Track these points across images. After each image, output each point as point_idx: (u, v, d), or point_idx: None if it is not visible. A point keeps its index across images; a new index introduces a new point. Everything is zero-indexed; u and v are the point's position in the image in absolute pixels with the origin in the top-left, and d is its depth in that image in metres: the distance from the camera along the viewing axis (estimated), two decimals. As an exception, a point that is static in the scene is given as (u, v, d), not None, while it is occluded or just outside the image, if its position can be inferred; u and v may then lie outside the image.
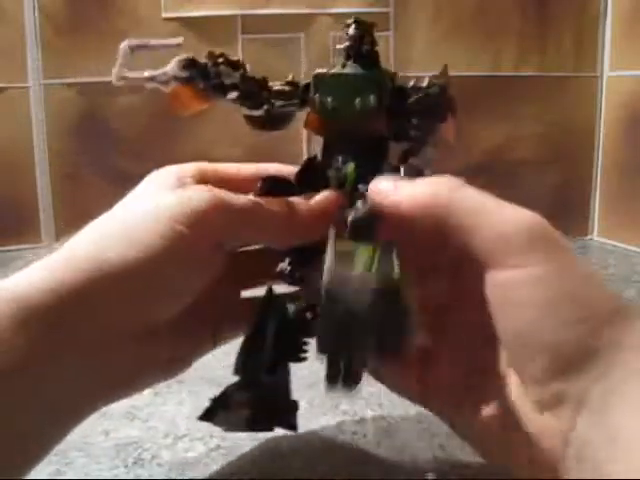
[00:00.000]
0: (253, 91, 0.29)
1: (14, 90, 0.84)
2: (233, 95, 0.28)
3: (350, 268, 0.22)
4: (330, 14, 0.84)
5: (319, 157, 0.30)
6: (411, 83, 0.29)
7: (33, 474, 0.23)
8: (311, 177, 0.28)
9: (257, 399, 0.27)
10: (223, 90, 0.28)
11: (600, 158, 0.87)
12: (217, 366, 0.34)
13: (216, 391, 0.40)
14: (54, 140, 0.86)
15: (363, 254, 0.23)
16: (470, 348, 0.26)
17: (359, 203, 0.26)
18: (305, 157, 0.30)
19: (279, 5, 0.84)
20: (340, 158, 0.28)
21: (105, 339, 0.24)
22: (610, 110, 0.85)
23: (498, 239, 0.23)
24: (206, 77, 0.28)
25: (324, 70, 0.29)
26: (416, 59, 0.85)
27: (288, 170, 0.29)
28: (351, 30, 0.28)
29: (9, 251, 0.81)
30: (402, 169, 0.28)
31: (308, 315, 0.28)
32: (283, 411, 0.29)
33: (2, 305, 0.22)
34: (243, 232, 0.26)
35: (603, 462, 0.20)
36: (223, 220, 0.25)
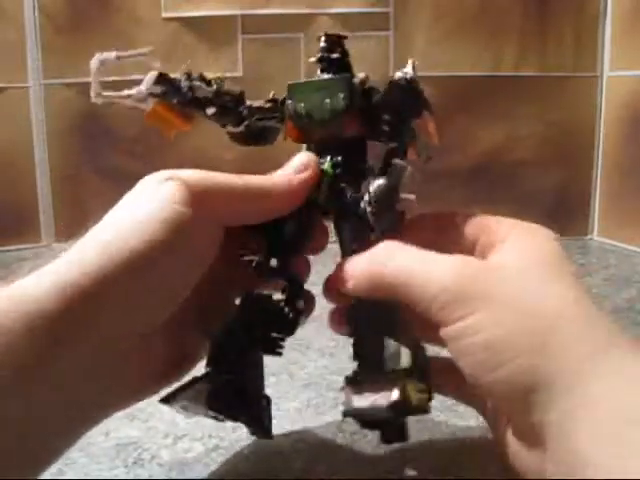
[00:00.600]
0: (229, 107, 0.29)
1: (14, 90, 0.84)
2: (212, 110, 0.29)
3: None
4: (330, 14, 0.84)
5: None
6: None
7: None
8: None
9: (222, 385, 0.27)
10: (200, 105, 0.29)
11: (600, 158, 0.87)
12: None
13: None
14: (54, 140, 0.86)
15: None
16: None
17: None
18: None
19: (279, 5, 0.84)
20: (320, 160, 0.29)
21: (112, 340, 0.24)
22: (610, 110, 0.85)
23: (437, 295, 0.24)
24: (179, 91, 0.28)
25: (298, 80, 0.30)
26: (416, 59, 0.84)
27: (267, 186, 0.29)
28: (321, 43, 0.29)
29: (9, 251, 0.81)
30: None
31: (286, 310, 0.28)
32: (252, 402, 0.29)
33: (11, 309, 0.22)
34: (241, 207, 0.27)
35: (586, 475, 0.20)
36: (221, 197, 0.26)
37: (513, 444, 0.24)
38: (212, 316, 0.29)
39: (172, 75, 0.29)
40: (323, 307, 0.31)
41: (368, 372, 0.27)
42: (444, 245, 0.27)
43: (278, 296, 0.29)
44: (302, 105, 0.29)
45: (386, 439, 0.28)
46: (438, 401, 0.37)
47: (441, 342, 0.25)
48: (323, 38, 0.30)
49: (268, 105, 0.30)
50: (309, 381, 0.42)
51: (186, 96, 0.28)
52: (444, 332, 0.24)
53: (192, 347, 0.30)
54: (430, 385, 0.26)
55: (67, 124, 0.86)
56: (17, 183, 0.85)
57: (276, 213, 0.28)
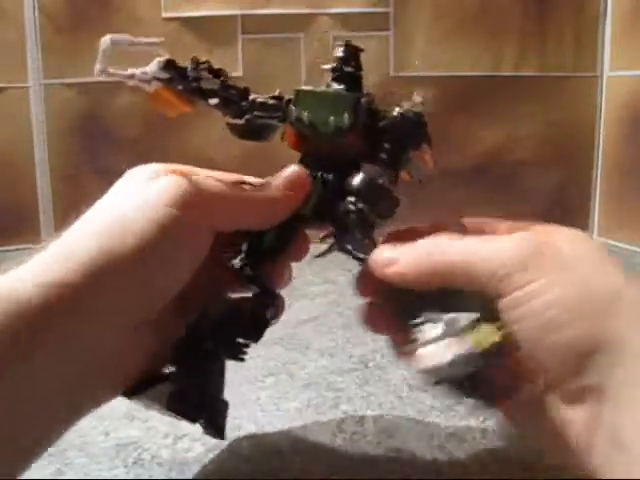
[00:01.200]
0: (233, 100, 0.29)
1: (14, 90, 0.84)
2: (214, 101, 0.29)
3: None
4: (330, 14, 0.84)
5: None
6: (391, 108, 0.29)
7: (33, 474, 0.23)
8: None
9: (184, 387, 0.27)
10: (202, 95, 0.29)
11: (600, 158, 0.87)
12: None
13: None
14: (54, 140, 0.86)
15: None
16: None
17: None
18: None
19: (279, 5, 0.84)
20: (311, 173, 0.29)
21: (105, 331, 0.24)
22: (610, 110, 0.85)
23: (496, 271, 0.24)
24: (184, 80, 0.28)
25: (306, 87, 0.30)
26: (416, 59, 0.85)
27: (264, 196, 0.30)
28: (339, 52, 0.29)
29: (8, 251, 0.81)
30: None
31: (254, 317, 0.28)
32: (209, 404, 0.29)
33: None
34: (230, 212, 0.27)
35: (635, 443, 0.20)
36: (212, 203, 0.26)
37: (557, 412, 0.24)
38: (193, 314, 0.29)
39: (180, 64, 0.29)
40: (323, 307, 0.31)
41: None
42: None
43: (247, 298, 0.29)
44: (306, 114, 0.29)
45: (486, 395, 0.25)
46: (438, 401, 0.37)
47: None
48: (342, 48, 0.29)
49: (271, 102, 0.30)
50: (309, 381, 0.42)
51: (191, 85, 0.28)
52: (505, 302, 0.24)
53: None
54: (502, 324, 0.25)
55: (67, 124, 0.86)
56: (17, 183, 0.85)
57: (265, 224, 0.28)
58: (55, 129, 0.86)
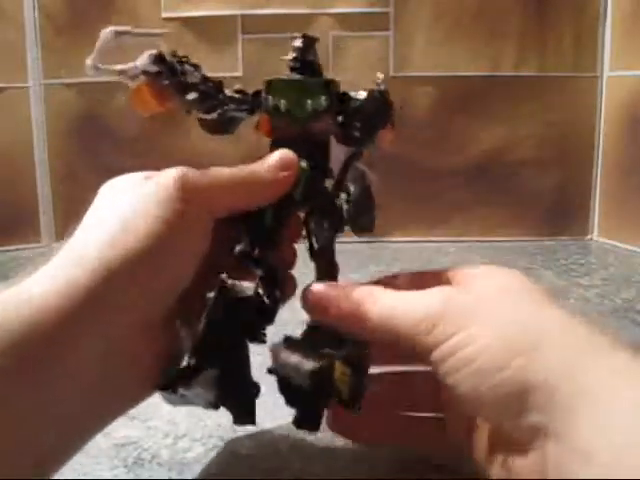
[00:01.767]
0: (211, 93, 0.30)
1: (14, 90, 0.84)
2: (192, 96, 0.30)
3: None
4: (330, 14, 0.84)
5: None
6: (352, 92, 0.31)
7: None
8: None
9: (213, 376, 0.27)
10: (184, 89, 0.30)
11: (600, 158, 0.87)
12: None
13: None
14: (54, 140, 0.86)
15: None
16: None
17: None
18: None
19: (279, 5, 0.84)
20: None
21: (116, 336, 0.24)
22: (610, 110, 0.85)
23: (420, 325, 0.25)
24: (173, 73, 0.29)
25: (277, 77, 0.31)
26: (416, 59, 0.85)
27: (255, 174, 0.30)
28: (297, 42, 0.31)
29: (9, 251, 0.81)
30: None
31: (265, 300, 0.29)
32: (242, 390, 0.29)
33: (10, 310, 0.22)
34: (229, 197, 0.28)
35: (584, 469, 0.20)
36: (210, 190, 0.27)
37: (501, 457, 0.24)
38: (195, 305, 0.29)
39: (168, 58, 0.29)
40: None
41: (307, 343, 0.28)
42: None
43: (251, 287, 0.29)
44: (283, 101, 0.30)
45: (299, 421, 0.28)
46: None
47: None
48: (300, 39, 0.31)
49: (238, 96, 0.31)
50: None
51: (177, 78, 0.29)
52: (434, 355, 0.24)
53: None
54: (359, 381, 0.26)
55: (67, 124, 0.86)
56: (17, 183, 0.85)
57: (260, 202, 0.29)
58: (55, 129, 0.86)
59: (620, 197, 0.84)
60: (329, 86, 0.31)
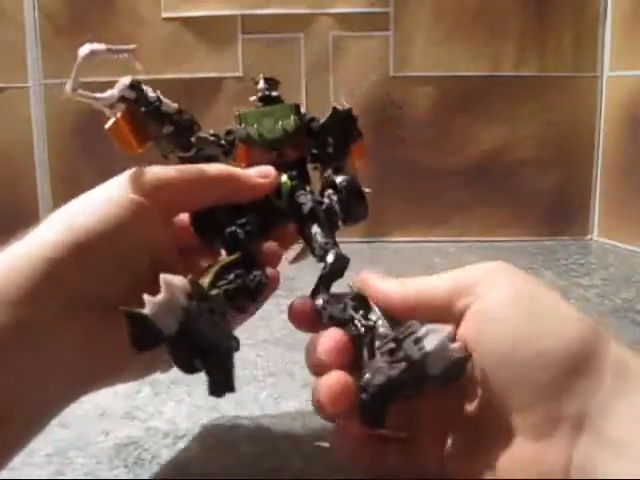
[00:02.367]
0: (185, 126, 0.32)
1: (14, 90, 0.84)
2: (169, 129, 0.31)
3: None
4: (330, 14, 0.84)
5: None
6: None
7: (33, 473, 0.23)
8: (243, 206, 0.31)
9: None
10: (160, 120, 0.31)
11: (600, 158, 0.87)
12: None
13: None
14: (54, 140, 0.86)
15: None
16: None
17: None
18: None
19: (279, 5, 0.84)
20: None
21: (73, 309, 0.25)
22: (610, 110, 0.85)
23: (462, 284, 0.25)
24: (147, 101, 0.30)
25: (247, 109, 0.33)
26: (416, 59, 0.85)
27: (224, 168, 0.31)
28: (260, 85, 0.34)
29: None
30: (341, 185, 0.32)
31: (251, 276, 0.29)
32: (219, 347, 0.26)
33: None
34: (192, 195, 0.30)
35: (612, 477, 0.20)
36: (175, 187, 0.29)
37: (483, 459, 0.23)
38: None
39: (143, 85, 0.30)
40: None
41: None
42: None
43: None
44: (255, 127, 0.32)
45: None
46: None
47: None
48: (262, 81, 0.34)
49: (212, 138, 0.33)
50: (309, 381, 0.42)
51: (153, 107, 0.30)
52: (474, 309, 0.24)
53: None
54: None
55: (67, 124, 0.86)
56: (17, 183, 0.85)
57: (227, 199, 0.30)
58: (55, 129, 0.86)
59: (620, 197, 0.84)
60: (297, 109, 0.33)
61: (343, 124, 0.34)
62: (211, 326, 0.24)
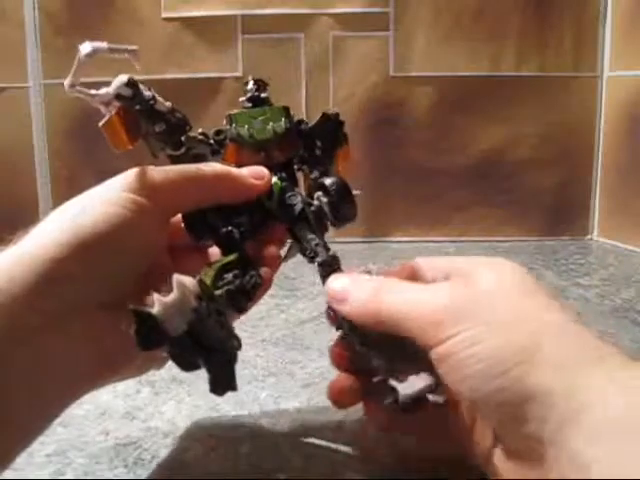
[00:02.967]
0: (179, 124, 0.32)
1: (14, 90, 0.84)
2: (160, 127, 0.31)
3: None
4: (330, 14, 0.84)
5: None
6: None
7: (33, 474, 0.23)
8: (234, 206, 0.31)
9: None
10: (153, 118, 0.31)
11: (600, 158, 0.87)
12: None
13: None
14: (54, 140, 0.86)
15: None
16: None
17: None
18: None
19: (279, 5, 0.84)
20: None
21: (75, 309, 0.25)
22: (610, 110, 0.85)
23: (426, 323, 0.25)
24: (142, 99, 0.30)
25: (238, 110, 0.34)
26: (416, 59, 0.85)
27: (221, 169, 0.31)
28: (249, 86, 0.34)
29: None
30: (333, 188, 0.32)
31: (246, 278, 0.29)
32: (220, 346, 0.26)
33: None
34: (191, 196, 0.30)
35: None
36: (174, 187, 0.29)
37: (504, 465, 0.24)
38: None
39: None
40: (323, 307, 0.31)
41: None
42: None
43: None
44: (246, 128, 0.33)
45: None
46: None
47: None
48: (251, 82, 0.34)
49: (200, 137, 0.33)
50: (309, 381, 0.42)
51: (147, 105, 0.31)
52: (438, 351, 0.24)
53: None
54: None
55: (67, 124, 0.86)
56: (17, 183, 0.85)
57: (222, 199, 0.31)
58: (55, 129, 0.86)
59: (620, 197, 0.84)
60: (287, 111, 0.34)
61: (331, 128, 0.35)
62: (218, 326, 0.25)
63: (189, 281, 0.24)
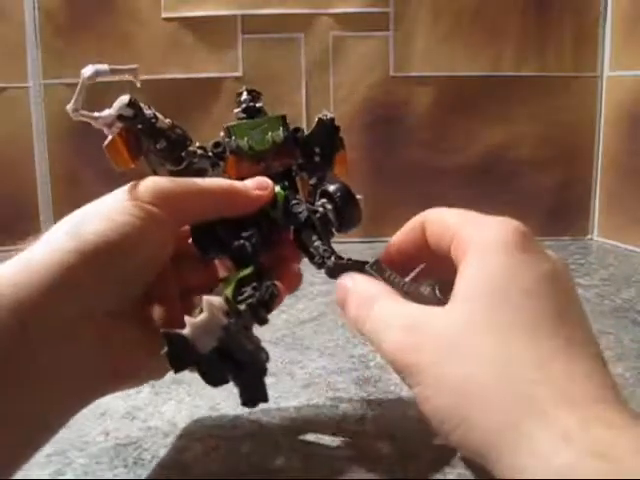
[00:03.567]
0: (180, 140, 0.32)
1: (14, 90, 0.84)
2: (162, 144, 0.32)
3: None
4: (330, 14, 0.84)
5: None
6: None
7: (33, 474, 0.23)
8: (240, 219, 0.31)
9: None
10: (154, 136, 0.31)
11: (600, 158, 0.87)
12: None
13: (216, 392, 0.40)
14: (54, 140, 0.86)
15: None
16: None
17: None
18: None
19: (279, 5, 0.84)
20: None
21: (86, 315, 0.25)
22: (610, 110, 0.85)
23: (393, 358, 0.25)
24: (144, 118, 0.31)
25: (234, 122, 0.34)
26: (416, 59, 0.85)
27: (225, 183, 0.32)
28: (244, 96, 0.35)
29: (9, 251, 0.80)
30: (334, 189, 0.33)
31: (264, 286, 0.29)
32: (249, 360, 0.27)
33: None
34: (198, 203, 0.30)
35: None
36: (179, 195, 0.29)
37: None
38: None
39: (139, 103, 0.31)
40: (323, 307, 0.31)
41: None
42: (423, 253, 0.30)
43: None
44: (245, 140, 0.33)
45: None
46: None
47: None
48: (245, 93, 0.35)
49: (200, 151, 0.34)
50: (309, 381, 0.42)
51: (149, 123, 0.31)
52: (411, 388, 0.24)
53: None
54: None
55: (67, 124, 0.85)
56: (17, 183, 0.85)
57: (231, 212, 0.31)
58: (55, 129, 0.86)
59: (620, 197, 0.84)
60: (284, 119, 0.34)
61: (328, 133, 0.35)
62: (247, 341, 0.26)
63: (218, 301, 0.25)
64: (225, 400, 0.38)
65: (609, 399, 0.21)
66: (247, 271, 0.29)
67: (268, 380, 0.29)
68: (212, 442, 0.34)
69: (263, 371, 0.26)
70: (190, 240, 0.31)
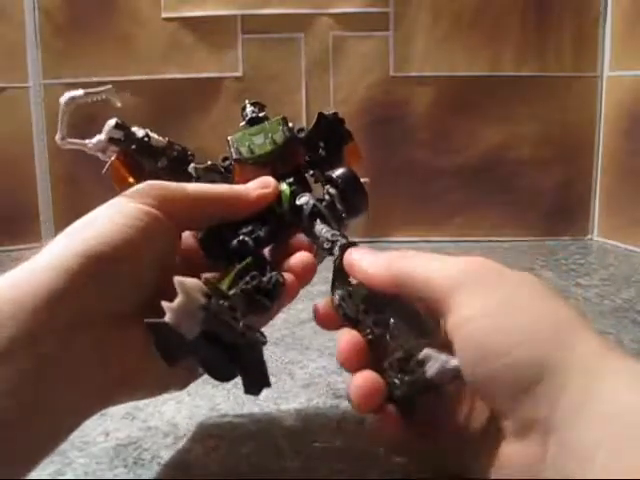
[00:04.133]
0: (180, 156, 0.33)
1: (14, 90, 0.84)
2: (163, 162, 0.32)
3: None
4: (330, 14, 0.84)
5: None
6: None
7: (33, 473, 0.23)
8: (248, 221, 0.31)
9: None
10: (152, 155, 0.32)
11: (600, 158, 0.87)
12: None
13: (216, 392, 0.40)
14: (54, 140, 0.86)
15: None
16: None
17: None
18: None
19: (279, 5, 0.84)
20: None
21: (88, 320, 0.25)
22: (610, 110, 0.85)
23: (445, 286, 0.25)
24: (135, 138, 0.31)
25: (235, 133, 0.35)
26: (416, 59, 0.85)
27: (231, 187, 0.32)
28: (247, 108, 0.35)
29: (9, 251, 0.81)
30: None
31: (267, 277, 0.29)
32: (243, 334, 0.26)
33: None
34: (202, 210, 0.30)
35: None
36: (179, 199, 0.29)
37: (501, 449, 0.24)
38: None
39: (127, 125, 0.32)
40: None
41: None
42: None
43: None
44: (247, 145, 0.34)
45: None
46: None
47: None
48: (249, 106, 0.35)
49: (210, 165, 0.35)
50: (309, 381, 0.42)
51: (143, 143, 0.32)
52: (451, 320, 0.24)
53: None
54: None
55: (67, 124, 0.86)
56: (17, 183, 0.85)
57: (236, 213, 0.31)
58: (55, 129, 0.86)
59: (620, 197, 0.84)
60: (285, 120, 0.34)
61: (331, 127, 0.35)
62: (234, 322, 0.25)
63: (190, 281, 0.24)
64: (225, 400, 0.38)
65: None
66: (244, 263, 0.28)
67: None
68: (212, 442, 0.34)
69: (259, 352, 0.25)
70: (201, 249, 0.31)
